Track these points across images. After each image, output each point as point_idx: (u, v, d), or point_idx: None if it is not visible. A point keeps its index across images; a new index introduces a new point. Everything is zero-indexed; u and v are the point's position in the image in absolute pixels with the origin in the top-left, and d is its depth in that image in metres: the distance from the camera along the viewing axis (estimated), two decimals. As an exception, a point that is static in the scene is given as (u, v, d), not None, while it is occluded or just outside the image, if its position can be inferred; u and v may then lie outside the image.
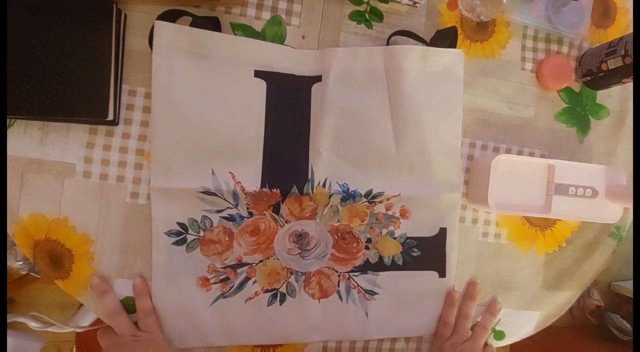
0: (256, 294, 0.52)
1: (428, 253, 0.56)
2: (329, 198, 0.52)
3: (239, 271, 0.51)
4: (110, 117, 0.46)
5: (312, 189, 0.51)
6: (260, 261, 0.52)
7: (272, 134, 0.50)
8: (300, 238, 0.53)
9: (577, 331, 1.58)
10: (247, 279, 0.51)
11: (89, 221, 0.49)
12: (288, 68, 0.51)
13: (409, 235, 0.55)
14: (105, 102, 0.46)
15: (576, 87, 0.63)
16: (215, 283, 0.51)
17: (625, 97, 0.64)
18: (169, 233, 0.49)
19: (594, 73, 0.59)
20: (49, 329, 0.80)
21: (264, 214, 0.51)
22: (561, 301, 0.63)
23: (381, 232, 0.55)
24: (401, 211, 0.55)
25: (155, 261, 0.49)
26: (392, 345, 0.58)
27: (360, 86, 0.52)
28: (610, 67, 0.57)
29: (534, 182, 0.57)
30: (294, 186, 0.51)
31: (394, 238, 0.55)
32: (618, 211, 0.59)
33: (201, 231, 0.50)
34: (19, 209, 0.47)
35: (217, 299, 0.51)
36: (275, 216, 0.51)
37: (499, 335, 0.61)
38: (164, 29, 0.46)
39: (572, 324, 1.61)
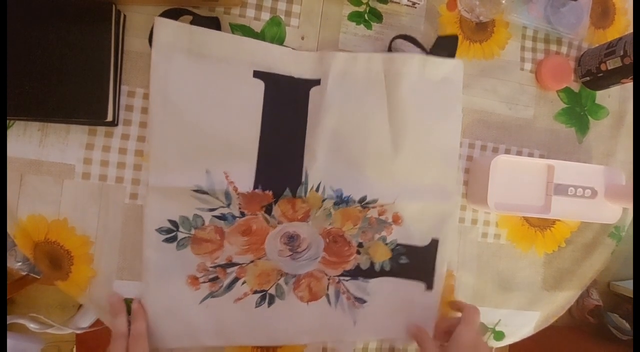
0: (245, 294, 0.51)
1: (416, 263, 0.55)
2: (322, 202, 0.52)
3: (228, 270, 0.51)
4: (110, 118, 0.46)
5: (306, 192, 0.51)
6: (251, 262, 0.51)
7: (268, 136, 0.50)
8: (291, 240, 0.52)
9: (576, 330, 1.59)
10: (236, 279, 0.51)
11: (88, 222, 0.49)
12: (287, 70, 0.50)
13: (399, 241, 0.55)
14: (105, 103, 0.46)
15: (575, 87, 0.63)
16: (204, 282, 0.50)
17: (624, 98, 0.64)
18: (160, 230, 0.48)
19: (593, 73, 0.59)
20: (49, 330, 0.80)
21: (256, 215, 0.51)
22: (561, 301, 0.63)
23: (373, 237, 0.54)
24: (394, 216, 0.54)
25: (146, 258, 0.48)
26: (393, 344, 0.58)
27: (358, 91, 0.51)
28: (609, 68, 0.57)
29: (533, 183, 0.57)
30: (287, 189, 0.50)
31: (386, 244, 0.55)
32: (617, 211, 0.59)
33: (192, 229, 0.49)
34: (18, 210, 0.47)
35: (205, 298, 0.50)
36: (268, 216, 0.51)
37: (499, 335, 0.61)
38: (164, 26, 0.46)
39: (571, 324, 1.62)
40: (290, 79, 0.51)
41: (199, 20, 0.47)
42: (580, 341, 1.50)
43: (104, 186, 0.49)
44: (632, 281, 1.65)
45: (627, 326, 1.51)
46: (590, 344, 1.48)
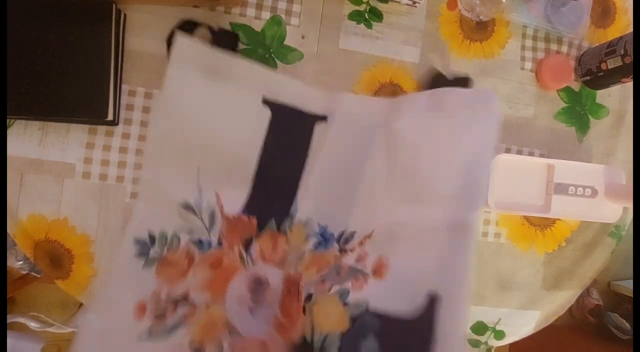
0: (180, 346, 0.42)
1: (395, 346, 0.37)
2: (305, 240, 0.48)
3: (178, 310, 0.44)
4: (110, 117, 0.46)
5: (291, 225, 0.48)
6: (205, 305, 0.44)
7: (266, 164, 0.48)
8: (257, 285, 0.45)
9: (576, 329, 1.59)
10: (180, 323, 0.43)
11: (88, 221, 0.49)
12: (296, 102, 0.49)
13: (371, 305, 0.39)
14: (105, 102, 0.46)
15: (576, 86, 0.63)
16: (149, 315, 0.43)
17: (624, 97, 0.64)
18: (137, 241, 0.44)
19: (594, 73, 0.59)
20: (49, 329, 0.80)
21: (233, 248, 0.47)
22: (561, 300, 0.63)
23: (330, 288, 0.42)
24: (377, 264, 0.44)
25: (114, 265, 0.44)
26: None
27: (362, 134, 0.50)
28: (609, 67, 0.57)
29: (533, 182, 0.57)
30: (273, 220, 0.47)
31: (344, 303, 0.39)
32: (617, 211, 0.59)
33: (166, 249, 0.45)
34: (19, 210, 0.47)
35: (143, 336, 0.42)
36: (244, 252, 0.47)
37: (499, 334, 0.61)
38: (185, 45, 0.45)
39: (571, 323, 1.62)
40: (298, 112, 0.49)
41: (218, 38, 0.47)
42: (580, 341, 1.50)
43: (105, 185, 0.49)
44: (632, 281, 1.65)
45: (627, 325, 1.51)
46: (590, 343, 1.48)
